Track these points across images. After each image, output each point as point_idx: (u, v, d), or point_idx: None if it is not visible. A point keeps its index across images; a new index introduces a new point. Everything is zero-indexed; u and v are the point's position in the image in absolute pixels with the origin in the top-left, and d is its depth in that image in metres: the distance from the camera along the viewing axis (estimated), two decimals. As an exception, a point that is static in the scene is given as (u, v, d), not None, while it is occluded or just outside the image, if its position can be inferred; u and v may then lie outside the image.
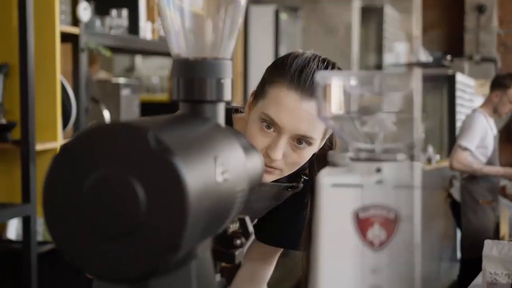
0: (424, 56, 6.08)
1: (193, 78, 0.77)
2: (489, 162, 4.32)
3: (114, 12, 3.27)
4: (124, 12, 3.29)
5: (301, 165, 1.29)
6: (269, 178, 1.28)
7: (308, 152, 1.26)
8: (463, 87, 7.42)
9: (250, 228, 0.84)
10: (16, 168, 2.64)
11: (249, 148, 0.83)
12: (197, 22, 0.79)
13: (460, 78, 7.27)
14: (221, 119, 0.78)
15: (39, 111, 2.64)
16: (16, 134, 2.63)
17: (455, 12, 9.23)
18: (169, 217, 0.59)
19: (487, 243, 1.88)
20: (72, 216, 0.62)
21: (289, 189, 1.42)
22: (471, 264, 3.94)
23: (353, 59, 6.35)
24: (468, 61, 7.13)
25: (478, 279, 2.09)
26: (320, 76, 0.68)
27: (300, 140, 1.24)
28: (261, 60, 4.57)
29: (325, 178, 0.67)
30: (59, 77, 2.66)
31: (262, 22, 6.28)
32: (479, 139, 4.24)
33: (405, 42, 6.06)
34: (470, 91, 7.79)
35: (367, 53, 7.40)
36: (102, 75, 4.27)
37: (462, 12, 9.16)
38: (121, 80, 3.41)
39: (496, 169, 4.35)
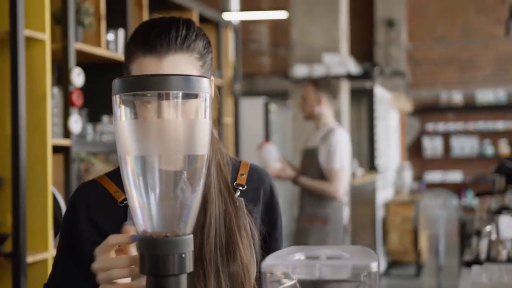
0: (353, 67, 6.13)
1: (157, 254, 0.85)
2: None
3: (105, 118, 3.39)
4: (115, 117, 3.38)
5: None
6: None
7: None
8: (380, 100, 7.55)
9: None
10: (6, 281, 2.65)
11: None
12: (159, 202, 0.88)
13: (378, 91, 7.39)
14: (183, 290, 0.86)
15: (31, 222, 2.69)
16: (7, 246, 2.67)
17: (365, 25, 9.40)
18: None
19: (475, 269, 1.72)
20: None
21: None
22: None
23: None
24: (379, 74, 7.21)
25: None
26: (265, 265, 0.75)
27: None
28: (253, 150, 4.64)
29: None
30: (50, 188, 2.74)
31: (253, 114, 6.46)
32: None
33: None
34: (386, 104, 7.97)
35: (359, 133, 7.48)
36: (99, 167, 4.31)
37: (371, 26, 9.33)
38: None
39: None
